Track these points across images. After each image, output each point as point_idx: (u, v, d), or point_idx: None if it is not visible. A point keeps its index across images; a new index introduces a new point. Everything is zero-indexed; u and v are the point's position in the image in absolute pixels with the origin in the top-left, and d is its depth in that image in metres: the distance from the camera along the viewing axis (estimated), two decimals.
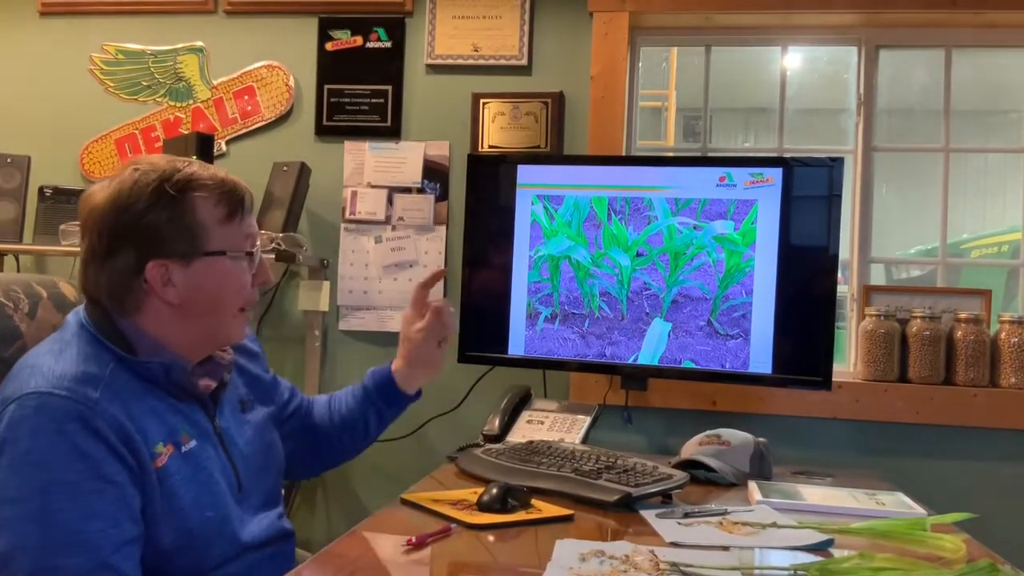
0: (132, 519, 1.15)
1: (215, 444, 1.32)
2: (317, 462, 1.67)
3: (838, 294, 2.08)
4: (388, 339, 2.46)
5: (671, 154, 3.33)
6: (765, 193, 2.05)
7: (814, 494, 1.72)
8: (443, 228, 2.48)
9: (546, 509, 1.51)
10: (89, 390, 1.16)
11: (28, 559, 1.08)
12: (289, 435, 1.56)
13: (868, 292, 2.38)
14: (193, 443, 1.26)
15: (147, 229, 1.22)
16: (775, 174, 2.05)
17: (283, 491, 1.51)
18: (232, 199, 1.29)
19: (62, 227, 2.36)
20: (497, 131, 2.45)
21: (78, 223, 1.29)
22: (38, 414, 1.12)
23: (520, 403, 2.17)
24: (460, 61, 2.50)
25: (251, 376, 1.50)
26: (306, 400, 1.65)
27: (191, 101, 2.61)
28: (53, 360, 1.19)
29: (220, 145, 2.56)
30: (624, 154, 2.43)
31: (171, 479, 1.21)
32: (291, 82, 2.56)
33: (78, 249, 1.31)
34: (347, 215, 2.51)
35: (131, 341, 1.24)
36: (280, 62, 2.57)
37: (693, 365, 2.08)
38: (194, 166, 1.28)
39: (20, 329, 1.37)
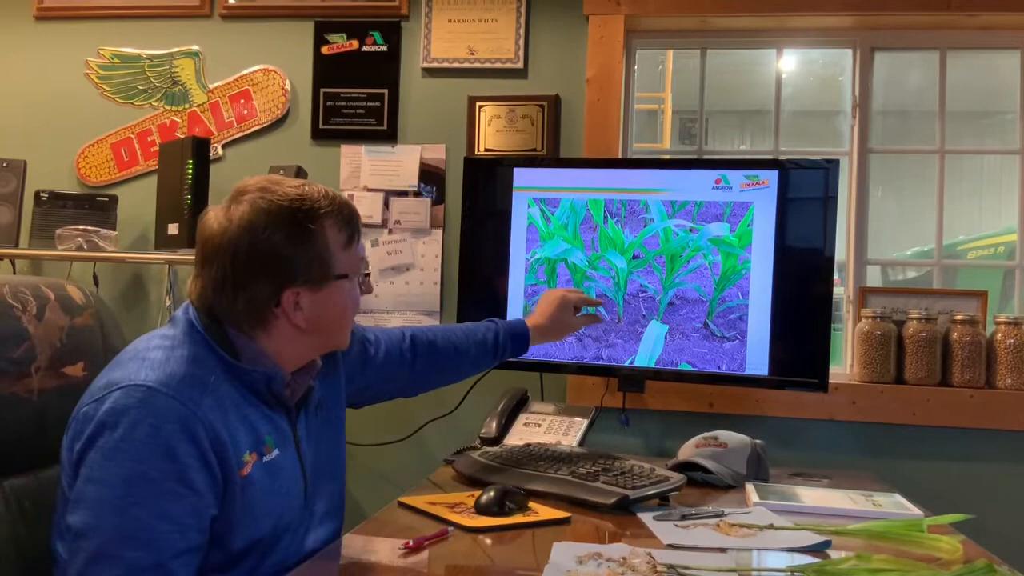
0: (200, 529, 1.17)
1: (292, 452, 1.33)
2: (426, 384, 1.79)
3: (834, 296, 2.09)
4: None
5: (667, 156, 3.34)
6: (761, 195, 2.05)
7: (811, 496, 1.72)
8: (440, 231, 2.48)
9: (543, 512, 1.51)
10: (195, 394, 1.18)
11: (96, 541, 1.12)
12: (385, 368, 1.65)
13: (864, 294, 2.38)
14: (275, 452, 1.28)
15: (284, 259, 1.25)
16: (771, 176, 2.05)
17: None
18: (351, 224, 1.33)
19: (58, 231, 2.36)
20: (493, 134, 2.46)
21: (198, 249, 1.29)
22: (141, 407, 1.14)
23: (517, 406, 2.17)
24: (456, 64, 2.50)
25: (329, 377, 1.49)
26: (417, 334, 1.72)
27: (187, 105, 2.61)
28: (164, 356, 1.21)
29: (216, 149, 2.56)
30: (620, 157, 2.43)
31: (252, 488, 1.23)
32: (287, 86, 2.56)
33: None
34: None
35: (237, 347, 1.27)
36: (276, 66, 2.57)
37: (690, 367, 2.09)
38: (313, 190, 1.31)
39: (28, 331, 1.37)
